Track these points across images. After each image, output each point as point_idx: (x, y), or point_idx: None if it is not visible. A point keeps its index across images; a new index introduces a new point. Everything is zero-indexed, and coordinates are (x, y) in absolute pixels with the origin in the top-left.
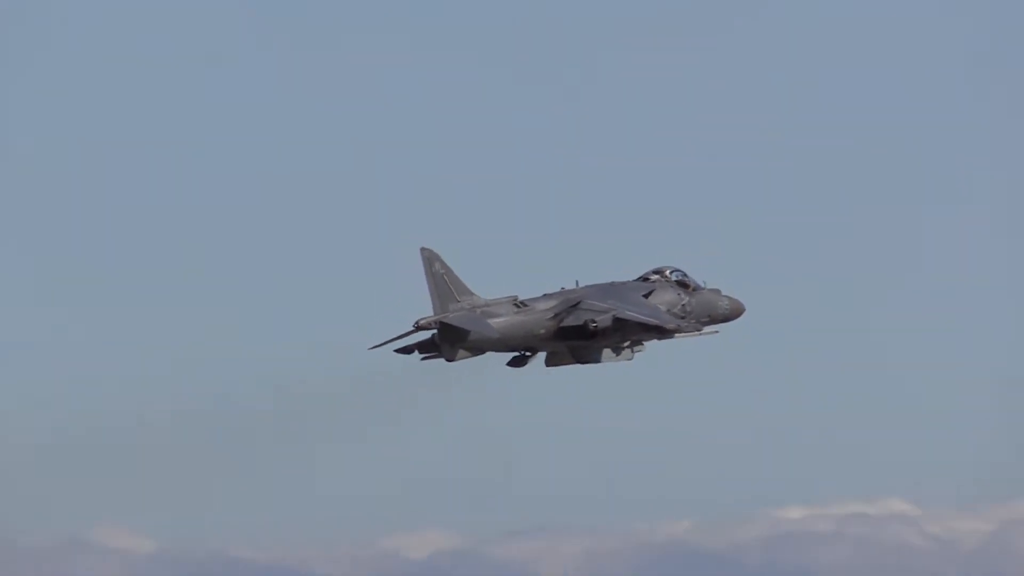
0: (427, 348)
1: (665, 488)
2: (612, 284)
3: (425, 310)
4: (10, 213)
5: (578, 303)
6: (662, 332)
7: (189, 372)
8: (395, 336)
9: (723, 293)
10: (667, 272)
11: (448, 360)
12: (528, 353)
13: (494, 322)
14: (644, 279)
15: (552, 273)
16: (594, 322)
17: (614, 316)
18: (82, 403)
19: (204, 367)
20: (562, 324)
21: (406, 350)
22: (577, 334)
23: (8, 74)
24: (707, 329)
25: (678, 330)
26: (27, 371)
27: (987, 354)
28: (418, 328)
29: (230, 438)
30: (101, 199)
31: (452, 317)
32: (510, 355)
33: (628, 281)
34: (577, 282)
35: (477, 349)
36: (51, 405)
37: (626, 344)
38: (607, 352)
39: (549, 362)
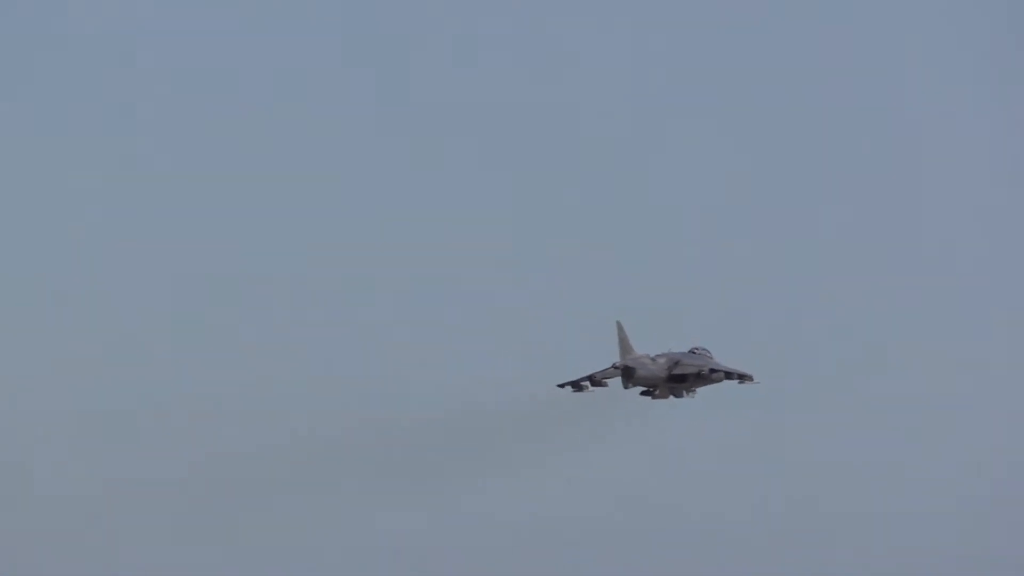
0: (597, 384)
1: None
2: (692, 350)
3: (599, 362)
4: None
5: (678, 361)
6: (741, 378)
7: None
8: (581, 377)
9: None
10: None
11: (625, 387)
12: (655, 389)
13: (645, 369)
14: (692, 351)
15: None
16: (715, 370)
17: (710, 368)
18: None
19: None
20: (672, 372)
21: (579, 387)
22: (679, 379)
23: None
24: (757, 378)
25: (749, 378)
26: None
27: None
28: (614, 367)
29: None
30: None
31: (631, 359)
32: (642, 388)
33: (696, 347)
34: (670, 348)
35: (638, 382)
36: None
37: (693, 389)
38: (686, 393)
39: (656, 396)
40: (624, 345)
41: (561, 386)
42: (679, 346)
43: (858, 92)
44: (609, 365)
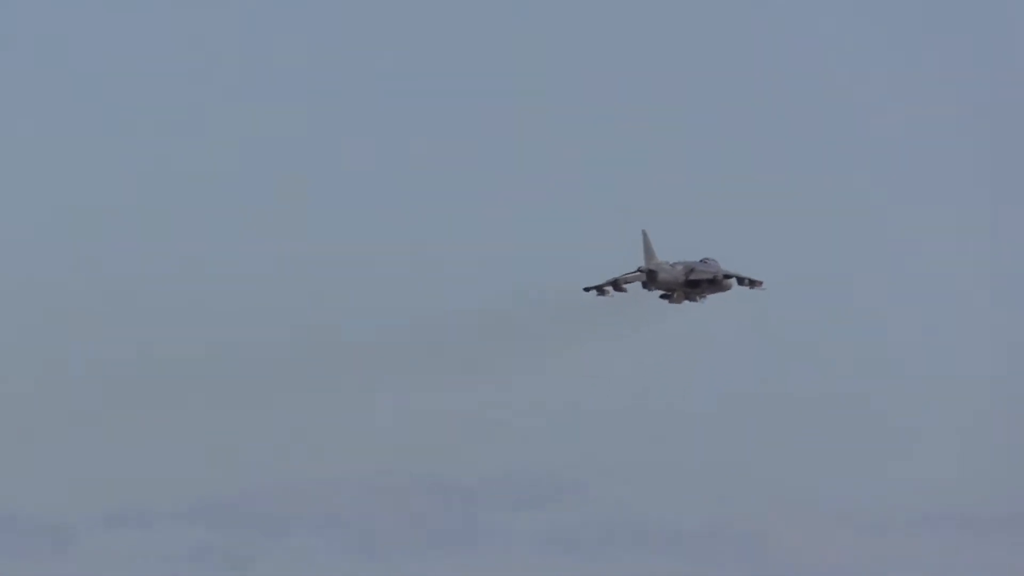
0: (619, 289)
1: None
2: (704, 260)
3: (628, 265)
4: None
5: (693, 269)
6: (752, 284)
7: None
8: (605, 281)
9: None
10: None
11: (648, 289)
12: (673, 293)
13: (667, 273)
14: (703, 260)
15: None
16: (728, 276)
17: (723, 274)
18: None
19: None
20: (689, 278)
21: (602, 292)
22: (694, 284)
23: None
24: (764, 284)
25: (759, 284)
26: None
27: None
28: (639, 270)
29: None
30: None
31: (654, 264)
32: (661, 292)
33: (706, 257)
34: (684, 258)
35: (660, 285)
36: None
37: (705, 294)
38: (698, 298)
39: (672, 300)
40: (648, 252)
41: (587, 289)
42: (691, 256)
43: None
44: (635, 269)
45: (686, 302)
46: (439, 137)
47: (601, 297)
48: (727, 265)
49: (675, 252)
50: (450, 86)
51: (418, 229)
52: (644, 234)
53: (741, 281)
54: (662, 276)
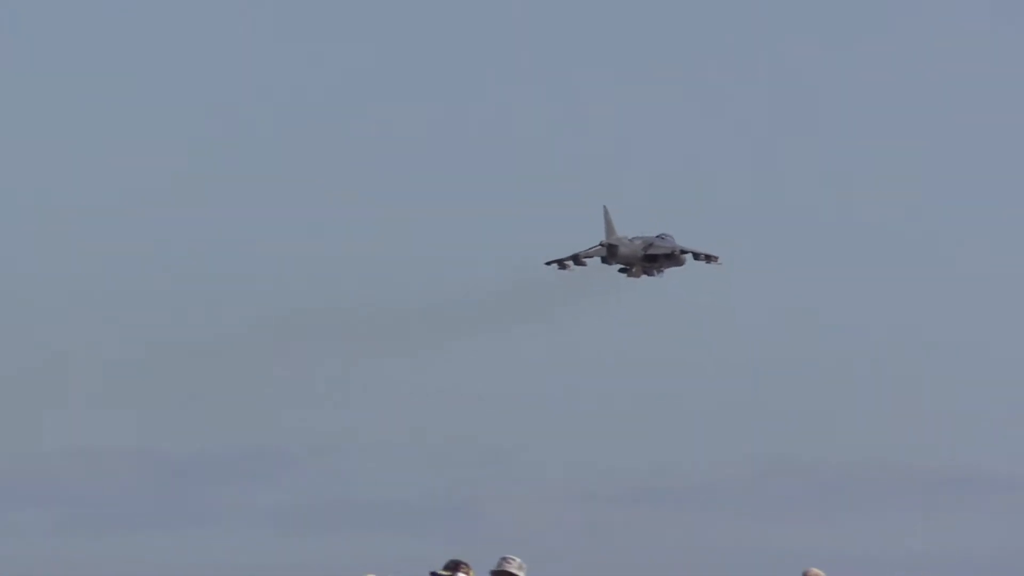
0: (579, 263)
1: None
2: (661, 235)
3: (591, 239)
4: None
5: (652, 243)
6: (708, 259)
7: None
8: (566, 256)
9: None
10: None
11: (606, 262)
12: (632, 267)
13: (627, 247)
14: (660, 236)
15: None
16: (684, 251)
17: (680, 249)
18: None
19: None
20: (647, 252)
21: (563, 265)
22: (652, 259)
23: None
24: (720, 259)
25: (715, 259)
26: None
27: None
28: (600, 245)
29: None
30: None
31: (615, 239)
32: (620, 266)
33: (662, 233)
34: (642, 232)
35: (620, 259)
36: None
37: (663, 268)
38: (656, 272)
39: (631, 274)
40: (609, 227)
41: (548, 263)
42: (648, 231)
43: None
44: (596, 243)
45: (644, 276)
46: (405, 113)
47: (562, 271)
48: (683, 241)
49: (633, 227)
50: (410, 62)
51: (384, 198)
52: (605, 210)
53: (697, 256)
54: (622, 251)
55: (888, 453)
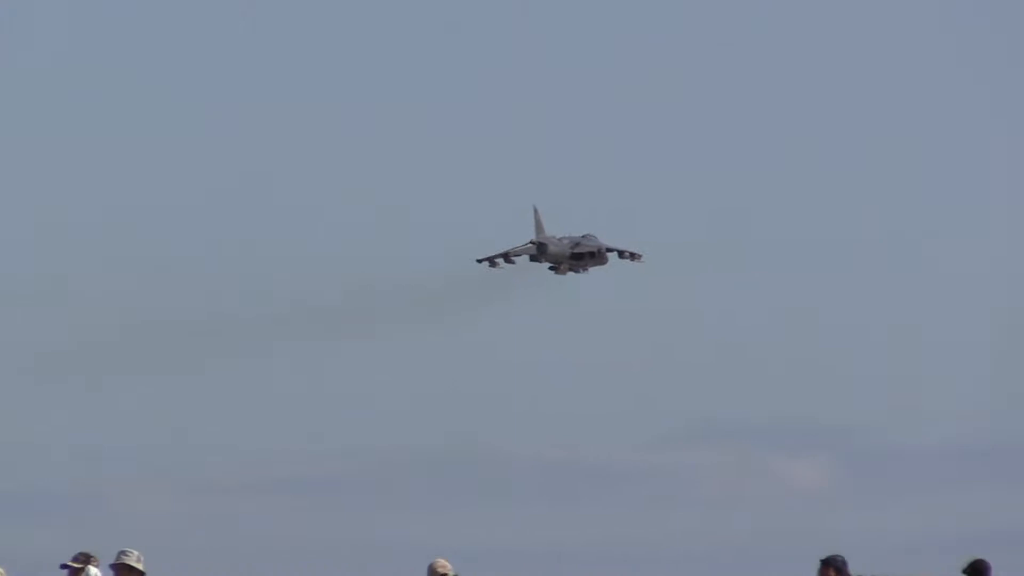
0: (508, 261)
1: None
2: (586, 235)
3: (520, 239)
4: None
5: (579, 242)
6: (633, 256)
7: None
8: (499, 252)
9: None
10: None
11: (535, 260)
12: (560, 265)
13: (556, 246)
14: (584, 236)
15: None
16: (610, 249)
17: (605, 247)
18: None
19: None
20: (574, 251)
21: (493, 263)
22: (579, 257)
23: None
24: (643, 257)
25: (638, 256)
26: None
27: None
28: (531, 243)
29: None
30: None
31: (544, 238)
32: (549, 264)
33: (587, 233)
34: (568, 232)
35: (549, 258)
36: None
37: (587, 267)
38: (581, 270)
39: (559, 271)
40: (539, 227)
41: (479, 261)
42: (574, 231)
43: None
44: (527, 242)
45: (570, 273)
46: (346, 107)
47: (492, 269)
48: (606, 239)
49: (559, 227)
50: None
51: (318, 197)
52: (535, 210)
53: (622, 254)
54: (551, 249)
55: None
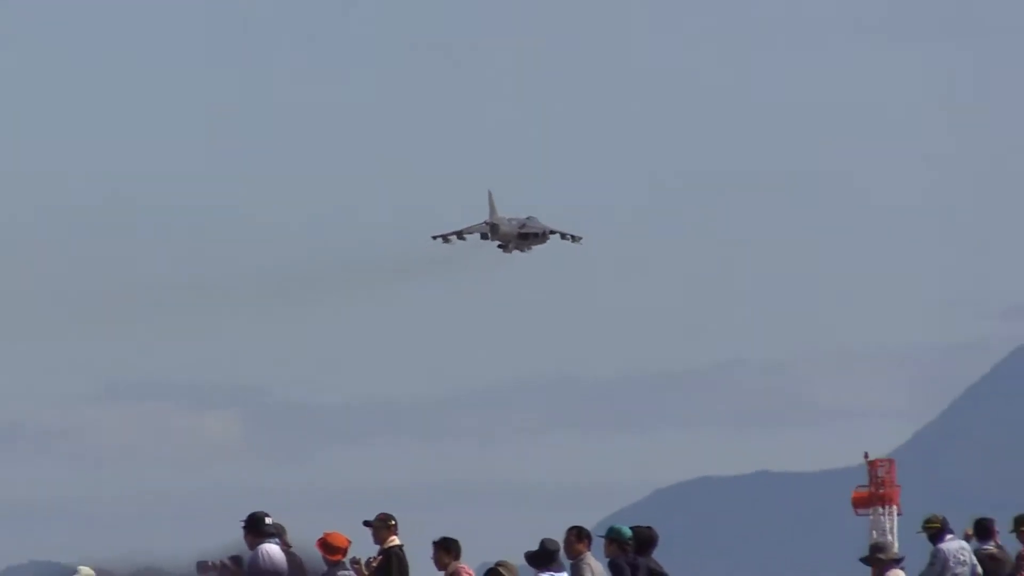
0: (461, 238)
1: None
2: (529, 216)
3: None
4: None
5: (525, 223)
6: (574, 239)
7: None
8: (455, 231)
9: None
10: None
11: (485, 238)
12: (509, 244)
13: (507, 226)
14: (529, 217)
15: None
16: (552, 231)
17: (549, 229)
18: None
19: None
20: (521, 231)
21: (447, 240)
22: (525, 237)
23: None
24: (583, 239)
25: (578, 238)
26: None
27: None
28: (485, 223)
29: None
30: None
31: (496, 219)
32: (499, 243)
33: (530, 215)
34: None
35: (500, 237)
36: None
37: (531, 246)
38: (526, 248)
39: (507, 250)
40: (492, 209)
41: (434, 237)
42: (518, 214)
43: None
44: (481, 221)
45: (515, 251)
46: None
47: (446, 244)
48: (547, 221)
49: (505, 210)
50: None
51: (290, 173)
52: (489, 193)
53: (564, 236)
54: (503, 229)
55: None
